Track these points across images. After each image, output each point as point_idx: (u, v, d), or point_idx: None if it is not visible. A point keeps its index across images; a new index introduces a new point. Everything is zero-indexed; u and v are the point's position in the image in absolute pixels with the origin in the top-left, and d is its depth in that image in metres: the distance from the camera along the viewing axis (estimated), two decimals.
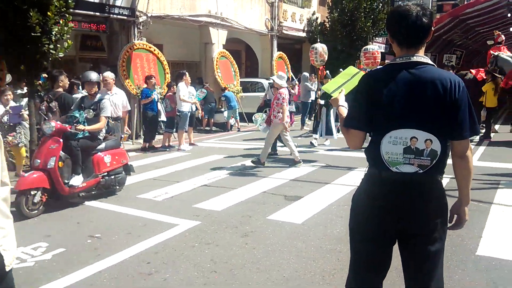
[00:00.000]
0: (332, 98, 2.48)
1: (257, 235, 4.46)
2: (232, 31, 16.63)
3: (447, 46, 20.55)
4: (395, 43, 2.09)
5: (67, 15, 7.86)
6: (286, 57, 18.89)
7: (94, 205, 5.60)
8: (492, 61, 11.07)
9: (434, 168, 2.02)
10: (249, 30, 17.50)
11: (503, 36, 11.07)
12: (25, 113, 7.21)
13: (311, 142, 10.19)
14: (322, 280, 3.45)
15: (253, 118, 9.46)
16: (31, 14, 6.89)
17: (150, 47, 12.17)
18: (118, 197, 5.96)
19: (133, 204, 5.58)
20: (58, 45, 7.68)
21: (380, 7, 20.88)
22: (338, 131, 9.64)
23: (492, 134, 11.07)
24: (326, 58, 10.21)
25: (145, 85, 10.34)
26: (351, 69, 2.75)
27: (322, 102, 9.73)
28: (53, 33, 7.46)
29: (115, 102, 7.52)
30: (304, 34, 21.47)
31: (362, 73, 2.57)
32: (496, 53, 11.21)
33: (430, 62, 2.04)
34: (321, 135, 9.90)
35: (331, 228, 4.64)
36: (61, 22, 7.62)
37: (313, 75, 15.36)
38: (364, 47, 9.96)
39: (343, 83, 2.57)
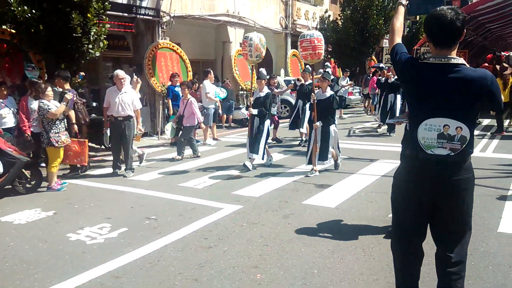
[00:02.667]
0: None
1: (297, 217, 4.94)
2: (248, 29, 17.06)
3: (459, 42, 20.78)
4: (431, 43, 2.46)
5: (104, 17, 8.41)
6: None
7: (141, 192, 6.10)
8: (505, 59, 11.45)
9: (464, 151, 2.42)
10: (264, 28, 17.92)
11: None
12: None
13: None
14: (363, 252, 3.92)
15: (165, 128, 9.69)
16: (73, 16, 7.42)
17: (173, 46, 12.66)
18: (161, 185, 6.46)
19: (176, 191, 6.08)
20: (95, 45, 8.23)
21: (391, 4, 21.19)
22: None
23: (506, 127, 11.47)
24: (263, 53, 7.32)
25: (169, 83, 10.84)
26: None
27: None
28: (92, 33, 8.00)
29: (124, 100, 7.16)
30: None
31: None
32: (507, 54, 11.59)
33: (462, 61, 2.41)
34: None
35: (363, 211, 5.11)
36: (99, 23, 8.17)
37: (346, 70, 16.72)
38: (302, 34, 6.93)
39: None
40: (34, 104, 6.86)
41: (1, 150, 5.73)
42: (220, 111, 12.95)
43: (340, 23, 21.62)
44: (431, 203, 2.51)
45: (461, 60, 2.42)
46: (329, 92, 6.99)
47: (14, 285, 3.43)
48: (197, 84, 11.17)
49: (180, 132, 8.92)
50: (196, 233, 4.46)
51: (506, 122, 12.29)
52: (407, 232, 2.66)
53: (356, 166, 7.50)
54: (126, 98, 7.23)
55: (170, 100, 10.51)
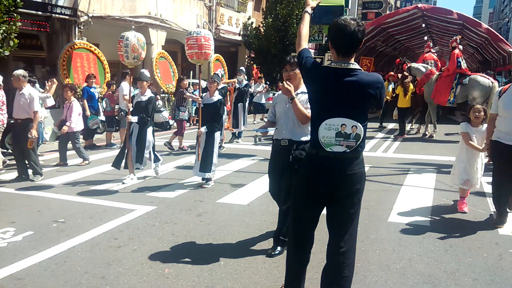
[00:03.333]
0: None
1: (210, 215, 5.12)
2: (171, 32, 17.03)
3: (370, 52, 22.39)
4: (334, 50, 2.72)
5: (15, 14, 8.00)
6: (223, 59, 19.57)
7: (49, 196, 5.91)
8: (407, 69, 12.58)
9: (358, 147, 2.72)
10: (187, 31, 17.97)
11: (458, 41, 12.13)
12: None
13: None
14: (268, 243, 4.19)
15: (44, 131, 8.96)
16: None
17: (90, 47, 12.31)
18: (72, 189, 6.30)
19: (88, 194, 5.98)
20: (4, 44, 7.79)
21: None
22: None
23: (408, 131, 12.61)
24: (142, 54, 6.49)
25: (85, 84, 10.52)
26: None
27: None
28: (1, 31, 7.58)
29: (21, 102, 6.78)
30: (240, 38, 22.32)
31: None
32: (410, 65, 12.75)
33: (358, 67, 2.71)
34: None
35: (273, 207, 5.39)
36: (8, 21, 7.74)
37: (260, 77, 17.32)
38: (189, 31, 6.45)
39: None
40: None
41: None
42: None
43: (262, 30, 22.28)
44: (328, 195, 2.77)
45: (357, 66, 2.70)
46: (217, 97, 6.51)
47: None
48: (114, 85, 10.95)
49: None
50: (106, 234, 4.46)
51: (408, 126, 13.49)
52: (304, 220, 2.90)
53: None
54: (23, 99, 6.77)
55: (86, 101, 10.20)
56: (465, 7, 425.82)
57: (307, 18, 3.12)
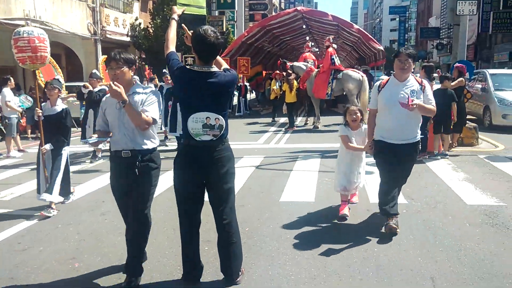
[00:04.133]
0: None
1: (113, 213, 5.24)
2: (53, 34, 16.13)
3: (259, 52, 23.54)
4: (197, 56, 3.14)
5: None
6: None
7: None
8: (290, 68, 13.72)
9: (222, 135, 3.21)
10: (71, 34, 17.21)
11: (331, 41, 13.26)
12: None
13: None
14: (169, 238, 4.53)
15: None
16: None
17: None
18: None
19: None
20: None
21: None
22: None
23: (299, 123, 13.72)
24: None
25: None
26: None
27: None
28: None
29: None
30: (128, 39, 21.89)
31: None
32: (291, 64, 13.94)
33: (217, 69, 3.17)
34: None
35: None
36: None
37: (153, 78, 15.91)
38: (16, 30, 5.33)
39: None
40: None
41: None
42: (23, 121, 12.08)
43: (151, 30, 22.12)
44: (203, 177, 3.24)
45: (216, 69, 3.19)
46: (60, 106, 5.49)
47: None
48: None
49: None
50: (8, 240, 4.41)
51: (297, 120, 14.67)
52: (188, 204, 3.31)
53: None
54: None
55: None
56: (343, 8, 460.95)
57: (174, 24, 3.52)
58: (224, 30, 30.64)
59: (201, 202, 3.34)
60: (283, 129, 13.16)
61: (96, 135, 3.45)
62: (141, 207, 3.34)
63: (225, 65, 3.41)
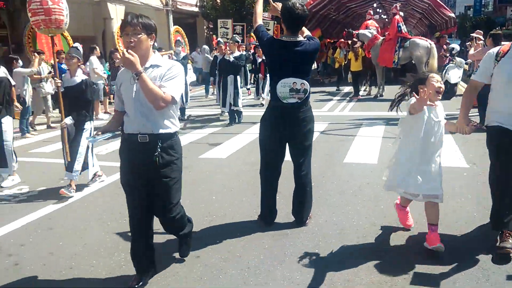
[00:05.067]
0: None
1: (195, 167, 5.98)
2: (129, 6, 17.19)
3: (323, 20, 23.32)
4: (285, 26, 3.60)
5: None
6: (183, 31, 19.93)
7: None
8: (356, 36, 13.68)
9: (306, 98, 3.68)
10: (145, 5, 18.18)
11: (398, 8, 13.17)
12: None
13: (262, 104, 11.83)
14: (248, 186, 5.13)
15: None
16: None
17: None
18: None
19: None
20: None
21: None
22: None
23: (362, 92, 13.80)
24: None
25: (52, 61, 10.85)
26: None
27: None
28: None
29: None
30: (197, 9, 22.63)
31: None
32: (357, 32, 13.84)
33: (303, 39, 3.59)
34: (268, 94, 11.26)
35: (248, 158, 6.35)
36: None
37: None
38: None
39: None
40: None
41: None
42: (107, 88, 13.24)
43: (218, 1, 22.66)
44: (288, 134, 3.73)
45: (302, 38, 3.62)
46: (80, 77, 5.01)
47: None
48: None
49: None
50: (112, 184, 5.24)
51: (362, 89, 14.70)
52: (271, 157, 3.85)
53: (241, 128, 8.75)
54: None
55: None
56: None
57: (260, 0, 3.93)
58: None
59: (283, 156, 3.84)
60: (348, 98, 13.30)
61: (101, 134, 2.87)
62: (168, 208, 2.87)
63: (307, 33, 3.79)
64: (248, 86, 14.33)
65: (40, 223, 4.17)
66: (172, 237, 3.76)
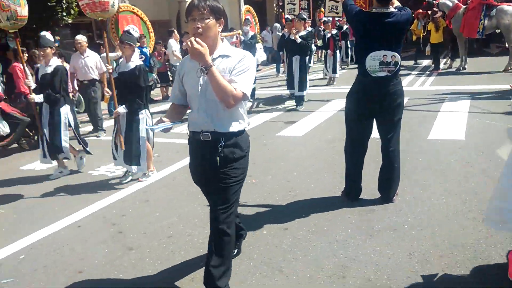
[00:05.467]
0: None
1: (273, 144, 6.08)
2: None
3: None
4: None
5: None
6: (253, 10, 19.98)
7: None
8: (436, 6, 12.83)
9: (396, 71, 3.57)
10: None
11: None
12: None
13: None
14: (327, 163, 5.14)
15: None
16: None
17: (133, 9, 13.07)
18: None
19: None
20: (67, 12, 8.76)
21: None
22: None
23: (442, 66, 13.04)
24: (20, 12, 4.74)
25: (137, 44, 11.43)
26: None
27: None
28: (64, 1, 8.52)
29: (89, 64, 7.53)
30: None
31: None
32: (439, 1, 12.96)
33: (394, 10, 3.49)
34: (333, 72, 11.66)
35: (325, 135, 6.34)
36: None
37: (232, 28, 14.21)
38: None
39: None
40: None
41: (6, 113, 6.42)
42: None
43: None
44: (376, 109, 3.66)
45: (392, 9, 3.50)
46: (135, 62, 4.64)
47: (49, 210, 4.39)
48: (160, 44, 11.83)
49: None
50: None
51: (442, 62, 13.87)
52: (358, 133, 3.80)
53: (315, 106, 8.70)
54: (90, 62, 7.53)
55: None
56: None
57: None
58: None
59: (370, 131, 3.80)
60: (427, 71, 12.64)
61: (166, 120, 2.41)
62: (222, 212, 2.47)
63: (397, 3, 3.67)
64: (311, 64, 13.90)
65: (136, 196, 4.51)
66: (263, 208, 3.92)
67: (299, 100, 8.67)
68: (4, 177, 5.56)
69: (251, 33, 10.13)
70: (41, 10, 8.13)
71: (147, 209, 4.16)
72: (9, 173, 5.77)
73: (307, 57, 8.76)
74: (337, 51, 11.92)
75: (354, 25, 3.74)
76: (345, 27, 14.31)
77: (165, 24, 17.45)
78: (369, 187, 4.05)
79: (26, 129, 6.75)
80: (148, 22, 13.48)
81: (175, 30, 11.53)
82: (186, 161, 5.52)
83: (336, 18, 12.52)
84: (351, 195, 3.94)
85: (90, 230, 3.80)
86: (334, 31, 11.92)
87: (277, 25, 16.15)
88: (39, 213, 4.27)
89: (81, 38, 7.60)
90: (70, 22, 9.06)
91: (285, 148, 5.87)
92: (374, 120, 3.75)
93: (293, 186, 4.44)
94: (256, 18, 19.90)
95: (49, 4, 8.14)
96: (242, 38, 9.78)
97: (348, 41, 15.05)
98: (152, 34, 13.53)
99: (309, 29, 9.51)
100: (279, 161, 5.30)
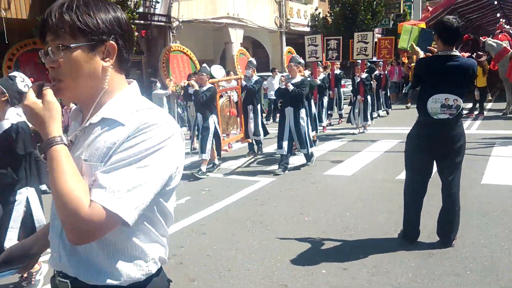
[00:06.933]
0: (412, 50, 4.08)
1: (322, 183, 6.16)
2: (247, 30, 18.25)
3: None
4: (440, 41, 3.61)
5: (133, 26, 9.54)
6: (295, 51, 20.50)
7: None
8: (481, 47, 12.79)
9: (458, 115, 3.64)
10: (261, 28, 19.13)
11: (505, 25, 12.43)
12: None
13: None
14: (381, 203, 5.15)
15: None
16: None
17: (183, 49, 13.79)
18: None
19: (216, 172, 7.26)
20: None
21: (377, 0, 22.58)
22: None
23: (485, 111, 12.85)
24: None
25: (183, 82, 11.95)
26: (406, 27, 4.44)
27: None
28: None
29: None
30: (308, 29, 23.11)
31: (415, 27, 4.26)
32: (484, 40, 12.91)
33: (458, 54, 3.62)
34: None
35: (375, 176, 6.36)
36: None
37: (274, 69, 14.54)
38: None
39: (409, 39, 4.29)
40: None
41: None
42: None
43: (330, 20, 22.91)
44: (437, 151, 3.71)
45: (457, 53, 3.61)
46: (10, 120, 3.28)
47: None
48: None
49: None
50: (247, 197, 5.66)
51: (487, 106, 13.67)
52: (418, 175, 3.84)
53: (361, 146, 8.74)
54: None
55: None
56: None
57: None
58: (401, 12, 29.79)
59: (430, 173, 3.83)
60: (473, 115, 12.47)
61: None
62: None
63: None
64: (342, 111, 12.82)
65: (193, 228, 4.66)
66: (318, 246, 3.97)
67: (309, 158, 7.34)
68: None
69: (255, 78, 8.37)
70: None
71: (205, 241, 4.29)
72: None
73: (302, 109, 7.03)
74: (368, 97, 10.67)
75: (418, 69, 3.86)
76: (376, 72, 13.17)
77: (209, 63, 18.14)
78: (426, 229, 4.03)
79: None
80: (196, 62, 14.16)
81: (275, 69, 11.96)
82: (238, 195, 5.77)
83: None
84: (409, 237, 3.93)
85: None
86: (364, 75, 10.70)
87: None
88: None
89: None
90: None
91: (335, 187, 5.92)
92: (435, 162, 3.79)
93: (348, 225, 4.47)
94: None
95: None
96: (244, 83, 8.37)
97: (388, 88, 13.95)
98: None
99: (308, 73, 8.73)
100: (330, 199, 5.35)
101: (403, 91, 15.03)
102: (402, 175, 5.91)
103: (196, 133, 7.37)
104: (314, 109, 8.76)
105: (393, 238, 4.08)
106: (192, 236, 4.48)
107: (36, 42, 9.31)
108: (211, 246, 4.16)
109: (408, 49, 3.75)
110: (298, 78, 7.03)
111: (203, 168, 6.84)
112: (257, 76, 8.63)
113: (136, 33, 9.90)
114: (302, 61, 7.54)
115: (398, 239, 4.02)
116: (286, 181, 6.35)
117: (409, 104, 14.56)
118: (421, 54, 4.05)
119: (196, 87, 7.04)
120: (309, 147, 7.09)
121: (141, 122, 1.12)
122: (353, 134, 10.26)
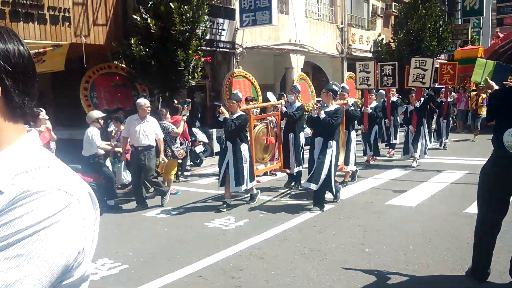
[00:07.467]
0: (486, 84, 3.98)
1: (384, 213, 5.97)
2: (308, 55, 18.40)
3: (511, 61, 21.06)
4: None
5: (200, 52, 9.97)
6: (308, 78, 20.18)
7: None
8: None
9: None
10: (322, 54, 19.20)
11: None
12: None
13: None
14: (447, 238, 4.90)
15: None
16: (178, 52, 8.98)
17: (245, 74, 14.14)
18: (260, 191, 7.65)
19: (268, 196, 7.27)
20: (192, 76, 9.77)
21: (444, 26, 21.94)
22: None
23: None
24: None
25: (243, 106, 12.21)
26: (481, 61, 4.31)
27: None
28: (191, 66, 9.54)
29: (146, 129, 6.76)
30: (370, 55, 22.86)
31: (490, 61, 4.14)
32: None
33: None
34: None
35: (440, 208, 6.07)
36: (195, 58, 9.71)
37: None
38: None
39: (483, 73, 4.17)
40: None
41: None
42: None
43: (393, 45, 22.52)
44: None
45: None
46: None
47: (171, 258, 4.71)
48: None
49: None
50: (305, 222, 5.61)
51: None
52: (492, 212, 3.63)
53: (425, 176, 8.40)
54: (148, 127, 6.79)
55: None
56: None
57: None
58: (470, 38, 28.66)
59: (506, 211, 3.62)
60: None
61: None
62: None
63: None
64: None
65: (252, 252, 4.69)
66: (379, 281, 3.85)
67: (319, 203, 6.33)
68: (127, 224, 6.14)
69: (298, 104, 7.77)
70: (171, 74, 9.18)
71: (262, 266, 4.29)
72: (132, 219, 6.32)
73: (333, 141, 6.26)
74: (421, 128, 9.68)
75: (492, 101, 3.72)
76: (438, 99, 12.75)
77: (270, 88, 18.45)
78: (495, 268, 3.78)
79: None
80: (258, 87, 14.46)
81: (284, 95, 12.09)
82: (295, 221, 5.73)
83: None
84: (479, 277, 3.69)
85: (211, 281, 4.01)
86: (418, 104, 9.76)
87: (382, 91, 16.09)
88: (161, 260, 4.62)
89: (145, 102, 6.97)
90: (193, 84, 10.06)
91: (398, 218, 5.72)
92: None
93: (411, 260, 4.28)
94: (312, 86, 19.76)
95: (178, 68, 9.15)
96: (284, 109, 7.86)
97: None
98: (260, 97, 14.43)
99: (352, 101, 8.26)
100: (393, 231, 5.17)
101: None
102: (471, 209, 5.66)
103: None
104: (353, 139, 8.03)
105: (461, 276, 3.85)
106: (251, 259, 4.50)
107: (111, 66, 9.98)
108: (269, 271, 4.16)
109: (482, 83, 3.62)
110: (332, 107, 6.46)
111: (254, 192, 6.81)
112: (299, 102, 7.97)
113: (202, 59, 10.26)
114: (336, 88, 6.85)
115: (465, 277, 3.79)
116: (346, 209, 6.23)
117: (476, 137, 13.86)
118: (496, 88, 3.89)
119: (226, 115, 6.56)
120: (319, 183, 6.06)
121: (21, 189, 0.79)
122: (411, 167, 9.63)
